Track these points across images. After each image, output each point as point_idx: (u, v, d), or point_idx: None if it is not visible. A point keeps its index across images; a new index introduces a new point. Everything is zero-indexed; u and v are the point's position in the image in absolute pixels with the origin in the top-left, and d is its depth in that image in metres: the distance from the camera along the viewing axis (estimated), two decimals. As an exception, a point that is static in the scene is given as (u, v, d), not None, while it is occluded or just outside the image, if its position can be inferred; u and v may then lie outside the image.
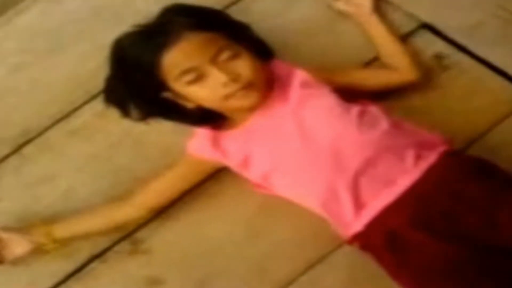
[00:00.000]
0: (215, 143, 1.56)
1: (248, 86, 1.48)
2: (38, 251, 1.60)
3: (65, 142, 1.73)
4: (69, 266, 1.62)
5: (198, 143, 1.58)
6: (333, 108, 1.51)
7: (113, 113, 1.58)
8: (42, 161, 1.72)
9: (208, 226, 1.63)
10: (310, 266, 1.56)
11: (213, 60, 1.47)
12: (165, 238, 1.63)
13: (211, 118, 1.56)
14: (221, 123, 1.57)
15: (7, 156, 1.73)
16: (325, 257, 1.56)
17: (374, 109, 1.54)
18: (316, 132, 1.49)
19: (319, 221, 1.52)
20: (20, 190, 1.70)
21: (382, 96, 1.63)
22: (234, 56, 1.48)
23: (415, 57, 1.69)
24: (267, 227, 1.61)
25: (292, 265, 1.57)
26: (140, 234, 1.64)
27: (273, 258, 1.58)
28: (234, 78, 1.46)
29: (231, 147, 1.55)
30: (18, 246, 1.59)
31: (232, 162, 1.57)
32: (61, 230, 1.61)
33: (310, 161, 1.49)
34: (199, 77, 1.47)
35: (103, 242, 1.63)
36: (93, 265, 1.62)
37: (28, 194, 1.69)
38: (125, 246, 1.63)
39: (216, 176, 1.64)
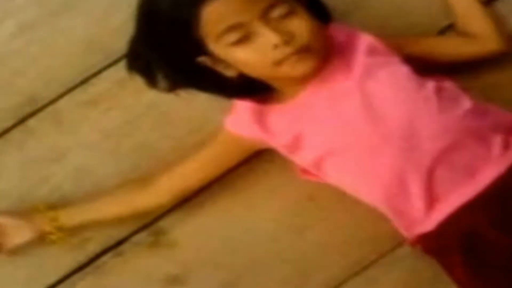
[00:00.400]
0: (259, 119, 1.47)
1: (303, 50, 1.36)
2: (41, 241, 1.55)
3: (78, 114, 1.65)
4: (77, 259, 1.57)
5: (238, 118, 1.49)
6: (407, 81, 1.41)
7: (136, 82, 1.49)
8: (50, 136, 1.64)
9: (244, 217, 1.57)
10: (363, 268, 1.52)
11: (264, 17, 1.35)
12: (192, 230, 1.57)
13: (255, 89, 1.45)
14: (266, 96, 1.47)
15: (10, 129, 1.64)
16: (381, 257, 1.52)
17: (451, 85, 1.44)
18: (385, 110, 1.39)
19: (376, 216, 1.46)
20: (24, 168, 1.63)
21: (452, 70, 1.52)
22: (288, 14, 1.36)
23: (500, 24, 1.58)
24: (313, 221, 1.55)
25: (341, 266, 1.53)
26: (163, 223, 1.58)
27: (318, 257, 1.54)
28: (287, 39, 1.35)
29: (278, 125, 1.46)
30: (17, 234, 1.54)
31: (277, 143, 1.48)
32: (69, 217, 1.55)
33: (376, 145, 1.39)
34: (246, 37, 1.36)
35: (119, 232, 1.58)
36: (104, 258, 1.57)
37: (33, 173, 1.62)
38: (144, 237, 1.58)
39: (256, 157, 1.56)
